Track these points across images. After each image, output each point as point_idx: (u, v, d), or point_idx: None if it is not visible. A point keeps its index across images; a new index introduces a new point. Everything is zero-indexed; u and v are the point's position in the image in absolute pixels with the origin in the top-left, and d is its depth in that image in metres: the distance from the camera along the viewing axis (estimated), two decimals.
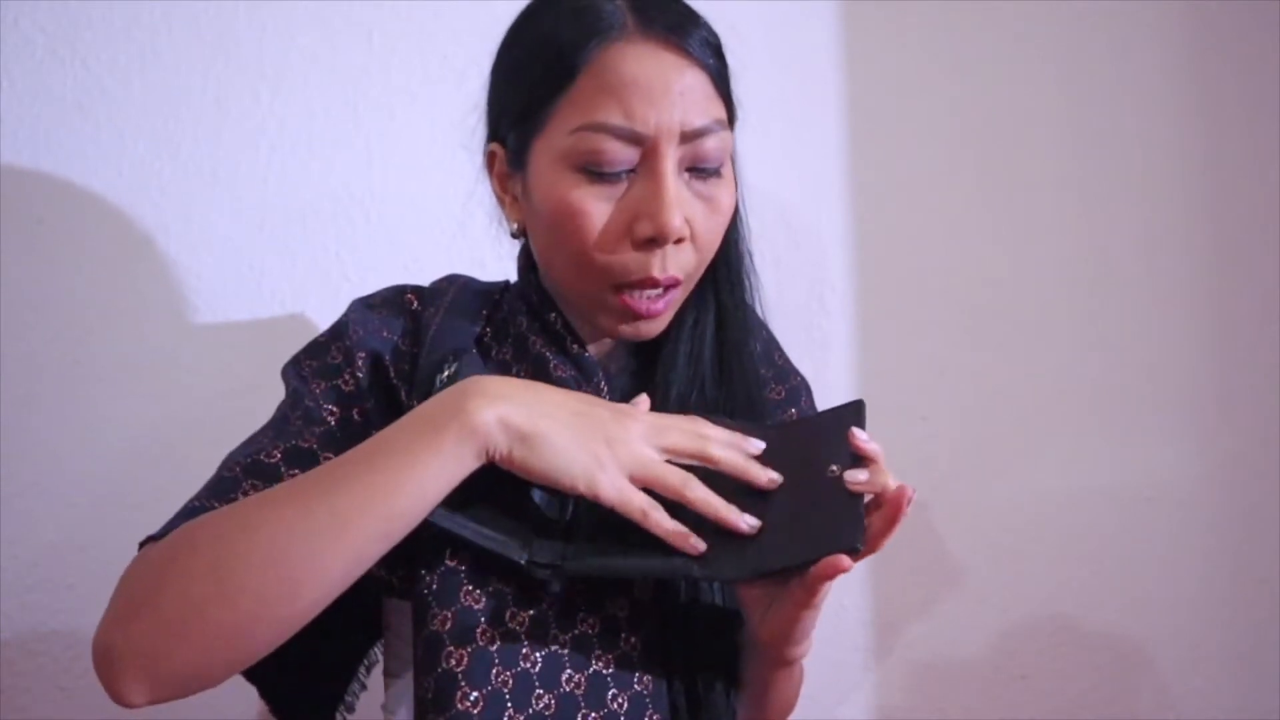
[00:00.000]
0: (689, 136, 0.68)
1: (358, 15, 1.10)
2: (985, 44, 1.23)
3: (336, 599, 0.63)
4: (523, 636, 0.66)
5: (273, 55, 1.08)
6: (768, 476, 0.66)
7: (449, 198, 1.08)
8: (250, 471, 0.68)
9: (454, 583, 0.66)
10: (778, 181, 1.16)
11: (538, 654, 0.66)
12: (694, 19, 0.71)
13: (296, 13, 1.08)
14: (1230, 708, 1.22)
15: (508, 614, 0.66)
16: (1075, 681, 1.21)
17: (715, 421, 0.70)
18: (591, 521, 0.65)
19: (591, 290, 0.71)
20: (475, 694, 0.63)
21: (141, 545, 0.66)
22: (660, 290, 0.70)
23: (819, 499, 0.64)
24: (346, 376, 0.72)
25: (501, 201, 0.77)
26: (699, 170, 0.70)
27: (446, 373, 0.70)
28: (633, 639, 0.69)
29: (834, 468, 0.64)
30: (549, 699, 0.65)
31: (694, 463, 0.66)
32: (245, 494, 0.67)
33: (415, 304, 0.76)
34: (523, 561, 0.64)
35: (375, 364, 0.73)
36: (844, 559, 0.60)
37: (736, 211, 0.76)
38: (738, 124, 0.78)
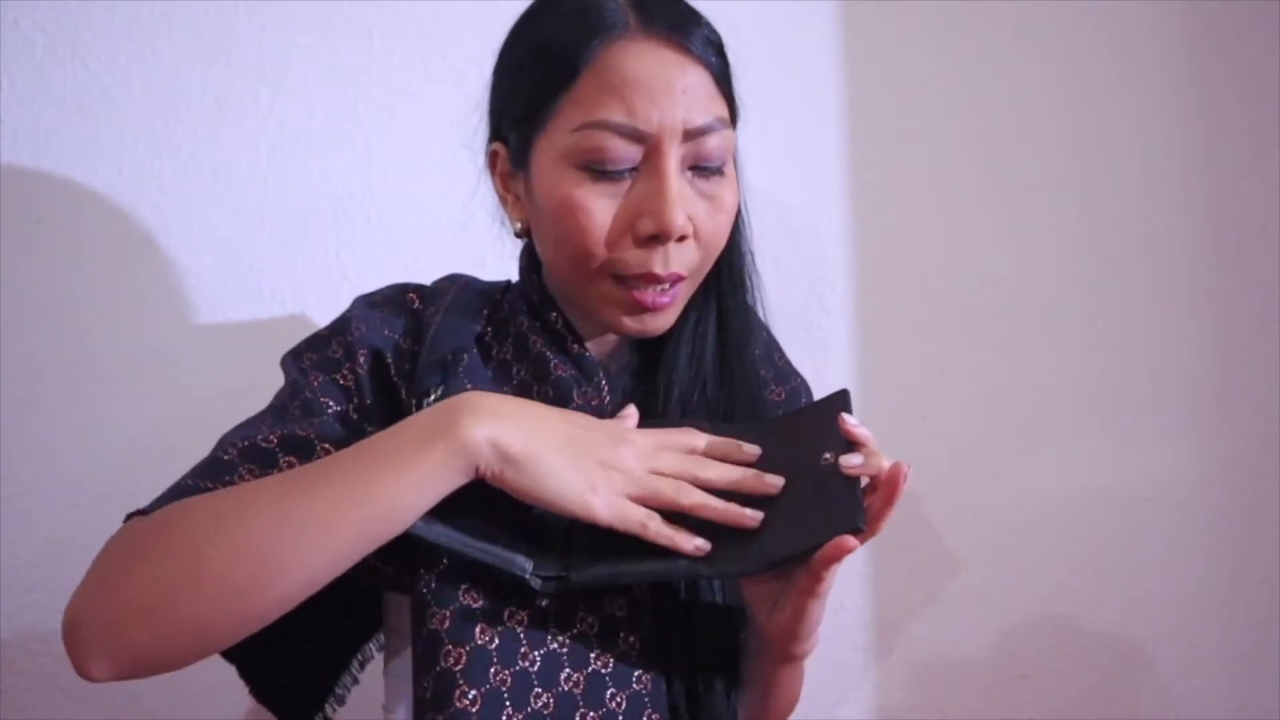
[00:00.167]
0: (691, 135, 0.68)
1: (358, 15, 1.10)
2: (985, 44, 1.23)
3: (335, 591, 0.63)
4: (521, 635, 0.66)
5: (273, 55, 1.08)
6: (767, 482, 0.66)
7: (449, 198, 1.08)
8: (246, 455, 0.68)
9: (453, 581, 0.66)
10: (778, 181, 1.16)
11: (536, 653, 0.66)
12: (696, 18, 0.71)
13: (296, 13, 1.08)
14: (1230, 708, 1.22)
15: (506, 613, 0.66)
16: (1075, 681, 1.21)
17: (706, 426, 0.70)
18: (589, 528, 0.65)
19: (595, 286, 0.71)
20: (474, 692, 0.64)
21: (128, 518, 0.66)
22: (665, 285, 0.70)
23: (817, 487, 0.65)
24: (345, 371, 0.72)
25: (504, 201, 0.77)
26: (702, 169, 0.70)
27: (433, 396, 0.70)
28: (631, 638, 0.69)
29: (827, 455, 0.65)
30: (547, 698, 0.65)
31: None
32: (240, 477, 0.67)
33: (417, 303, 0.76)
34: (528, 576, 0.64)
35: (376, 361, 0.73)
36: (849, 539, 0.60)
37: (739, 211, 0.76)
38: (739, 124, 0.78)
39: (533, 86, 0.70)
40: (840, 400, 0.69)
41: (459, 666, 0.64)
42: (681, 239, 0.69)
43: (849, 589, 1.18)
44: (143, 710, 1.02)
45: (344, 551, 0.62)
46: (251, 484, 0.65)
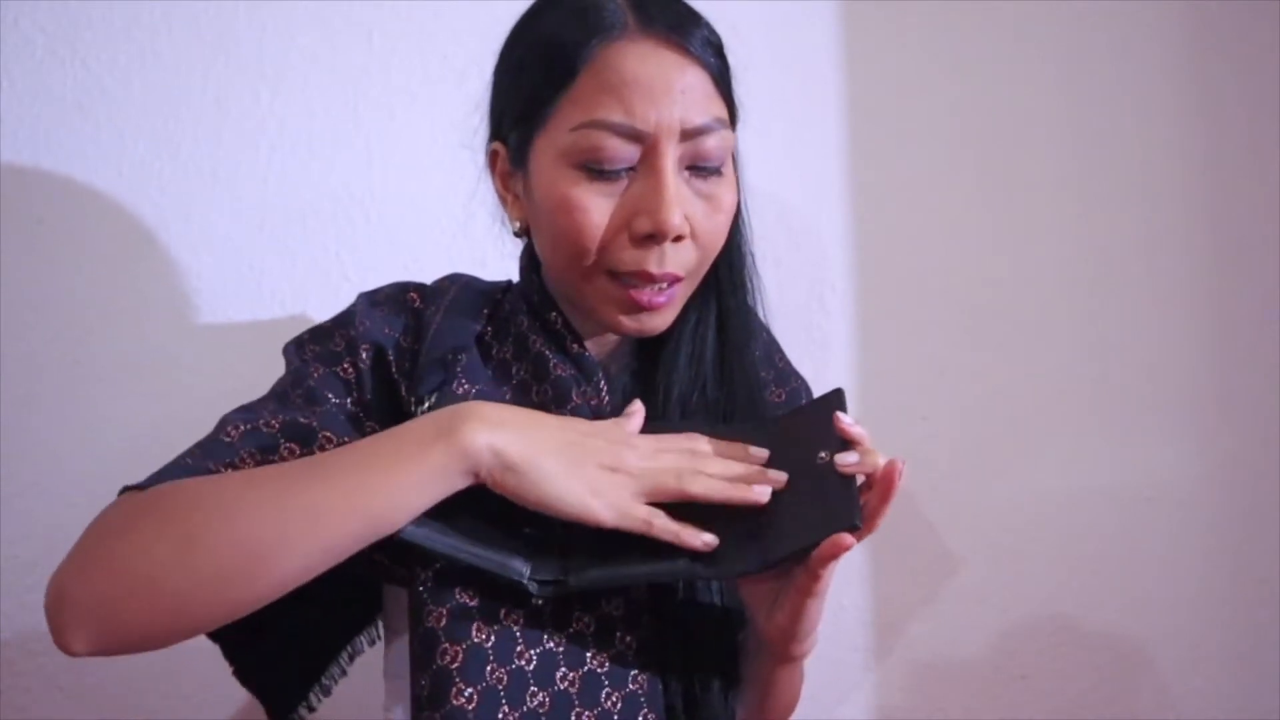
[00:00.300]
0: (689, 134, 0.68)
1: (358, 15, 1.10)
2: (985, 44, 1.23)
3: (329, 581, 0.63)
4: (517, 634, 0.66)
5: (273, 55, 1.08)
6: (770, 477, 0.66)
7: (449, 198, 1.08)
8: (247, 439, 0.68)
9: (449, 579, 0.66)
10: (778, 181, 1.16)
11: (532, 651, 0.66)
12: (695, 18, 0.71)
13: (296, 13, 1.08)
14: (1230, 708, 1.22)
15: (502, 611, 0.66)
16: (1075, 681, 1.21)
17: (703, 429, 0.70)
18: (587, 531, 0.65)
19: (592, 284, 0.71)
20: (470, 690, 0.64)
21: (122, 492, 0.66)
22: (661, 284, 0.70)
23: (813, 486, 0.65)
24: (346, 365, 0.72)
25: (504, 200, 0.77)
26: (700, 169, 0.70)
27: (427, 404, 0.71)
28: (628, 638, 0.69)
29: (823, 454, 0.65)
30: (543, 696, 0.66)
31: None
32: (241, 461, 0.67)
33: (417, 302, 0.76)
34: (525, 581, 0.64)
35: (378, 356, 0.73)
36: (845, 537, 0.61)
37: (739, 212, 0.76)
38: (739, 124, 0.78)
39: (532, 86, 0.70)
40: (835, 399, 0.69)
41: (455, 664, 0.64)
42: (678, 239, 0.69)
43: (849, 589, 1.18)
44: (143, 710, 1.02)
45: (337, 547, 0.62)
46: (250, 471, 0.65)
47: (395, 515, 0.63)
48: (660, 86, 0.67)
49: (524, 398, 0.73)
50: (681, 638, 0.71)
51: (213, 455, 0.67)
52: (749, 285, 0.79)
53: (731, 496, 0.65)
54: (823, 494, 0.64)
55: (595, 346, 0.76)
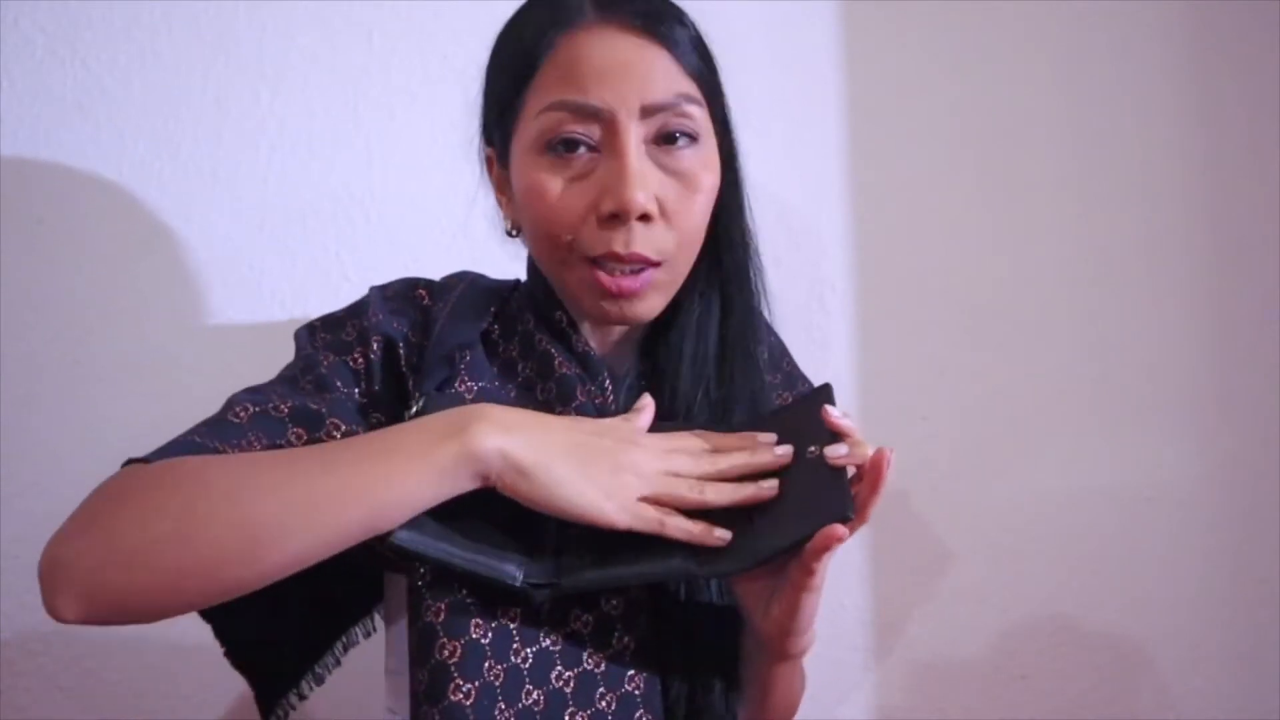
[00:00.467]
0: (650, 111, 0.69)
1: (358, 15, 1.10)
2: (985, 44, 1.23)
3: (329, 569, 0.63)
4: (514, 631, 0.66)
5: (273, 55, 1.08)
6: (778, 454, 0.66)
7: (449, 198, 1.08)
8: (256, 421, 0.68)
9: (448, 573, 0.66)
10: (778, 181, 1.16)
11: (529, 649, 0.66)
12: (657, 2, 0.72)
13: (296, 13, 1.08)
14: (1230, 708, 1.21)
15: (500, 607, 0.66)
16: (1075, 681, 1.21)
17: (684, 427, 0.71)
18: (582, 532, 0.65)
19: (571, 272, 0.72)
20: (468, 686, 0.64)
21: (126, 464, 0.66)
22: (632, 268, 0.70)
23: (804, 481, 0.65)
24: (357, 355, 0.73)
25: (500, 202, 0.78)
26: (668, 147, 0.70)
27: (415, 408, 0.71)
28: (626, 638, 0.69)
29: (812, 449, 0.65)
30: (538, 695, 0.66)
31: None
32: (248, 443, 0.67)
33: (426, 299, 0.77)
34: (518, 584, 0.64)
35: (389, 348, 0.74)
36: (838, 528, 0.61)
37: (739, 207, 0.77)
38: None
39: (505, 86, 0.73)
40: (823, 394, 0.69)
41: (454, 660, 0.64)
42: (644, 218, 0.69)
43: (849, 589, 1.18)
44: (143, 710, 1.02)
45: (336, 539, 0.62)
46: (256, 455, 0.65)
47: (397, 511, 0.63)
48: (617, 66, 0.68)
49: (528, 395, 0.73)
50: (682, 638, 0.71)
51: (220, 435, 0.67)
52: (753, 280, 0.78)
53: (746, 499, 0.65)
54: (814, 488, 0.64)
55: (600, 344, 0.76)
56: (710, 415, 0.75)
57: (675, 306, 0.76)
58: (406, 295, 0.77)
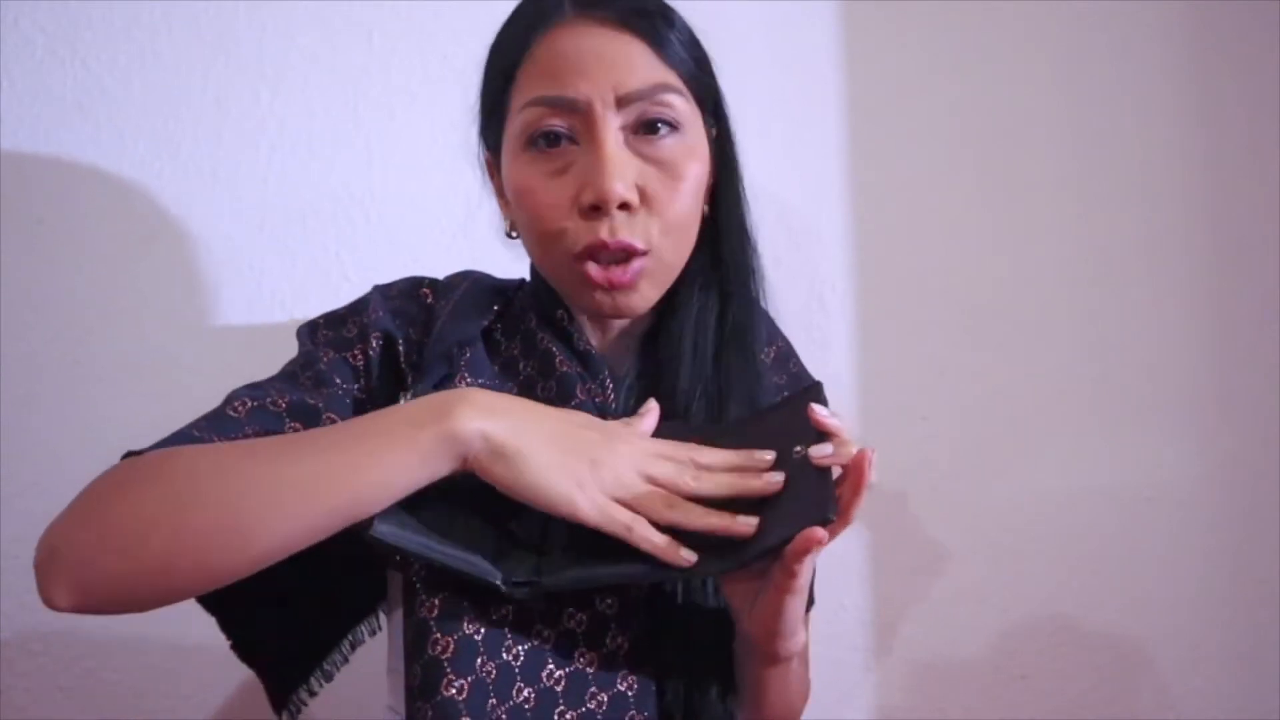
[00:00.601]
0: (627, 100, 0.69)
1: (358, 15, 1.10)
2: (985, 44, 1.23)
3: (335, 564, 0.63)
4: (507, 629, 0.66)
5: (273, 55, 1.08)
6: (765, 479, 0.65)
7: (449, 198, 1.08)
8: (253, 415, 0.69)
9: (443, 570, 0.66)
10: (778, 181, 1.16)
11: (520, 647, 0.66)
12: None
13: (296, 13, 1.08)
14: (1230, 708, 1.22)
15: (493, 604, 0.66)
16: (1075, 681, 1.21)
17: (679, 426, 0.70)
18: (564, 530, 0.65)
19: (565, 268, 0.72)
20: (460, 682, 0.64)
21: (124, 457, 0.67)
22: (619, 258, 0.70)
23: (789, 481, 0.64)
24: (356, 352, 0.73)
25: (500, 204, 0.79)
26: (649, 136, 0.70)
27: (410, 394, 0.71)
28: (620, 638, 0.68)
29: (799, 448, 0.65)
30: (529, 692, 0.66)
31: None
32: (245, 437, 0.67)
33: (429, 297, 0.78)
34: (498, 582, 0.64)
35: (388, 345, 0.74)
36: (817, 531, 0.60)
37: (736, 202, 0.77)
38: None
39: (493, 88, 0.74)
40: (813, 393, 0.69)
41: (446, 655, 0.64)
42: (625, 207, 0.69)
43: (849, 589, 1.18)
44: (143, 710, 1.02)
45: (320, 523, 0.62)
46: (245, 442, 0.65)
47: (381, 493, 0.63)
48: (590, 58, 0.69)
49: (529, 394, 0.73)
50: (678, 639, 0.71)
51: (218, 429, 0.68)
52: (752, 275, 0.78)
53: (717, 529, 0.63)
54: (798, 489, 0.63)
55: (601, 343, 0.77)
56: (707, 411, 0.74)
57: (674, 303, 0.76)
58: (411, 294, 0.78)
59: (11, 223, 1.02)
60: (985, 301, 1.21)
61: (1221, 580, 1.23)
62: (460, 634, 0.65)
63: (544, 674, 0.66)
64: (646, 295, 0.72)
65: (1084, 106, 1.24)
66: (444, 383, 0.72)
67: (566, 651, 0.67)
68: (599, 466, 0.64)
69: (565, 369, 0.73)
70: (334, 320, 0.76)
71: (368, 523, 0.62)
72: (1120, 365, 1.22)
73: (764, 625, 0.65)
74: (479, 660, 0.65)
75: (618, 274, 0.70)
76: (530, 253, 0.75)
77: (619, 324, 0.77)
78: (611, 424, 0.69)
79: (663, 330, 0.76)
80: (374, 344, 0.73)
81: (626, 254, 0.70)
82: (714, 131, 0.77)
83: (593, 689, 0.67)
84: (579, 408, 0.71)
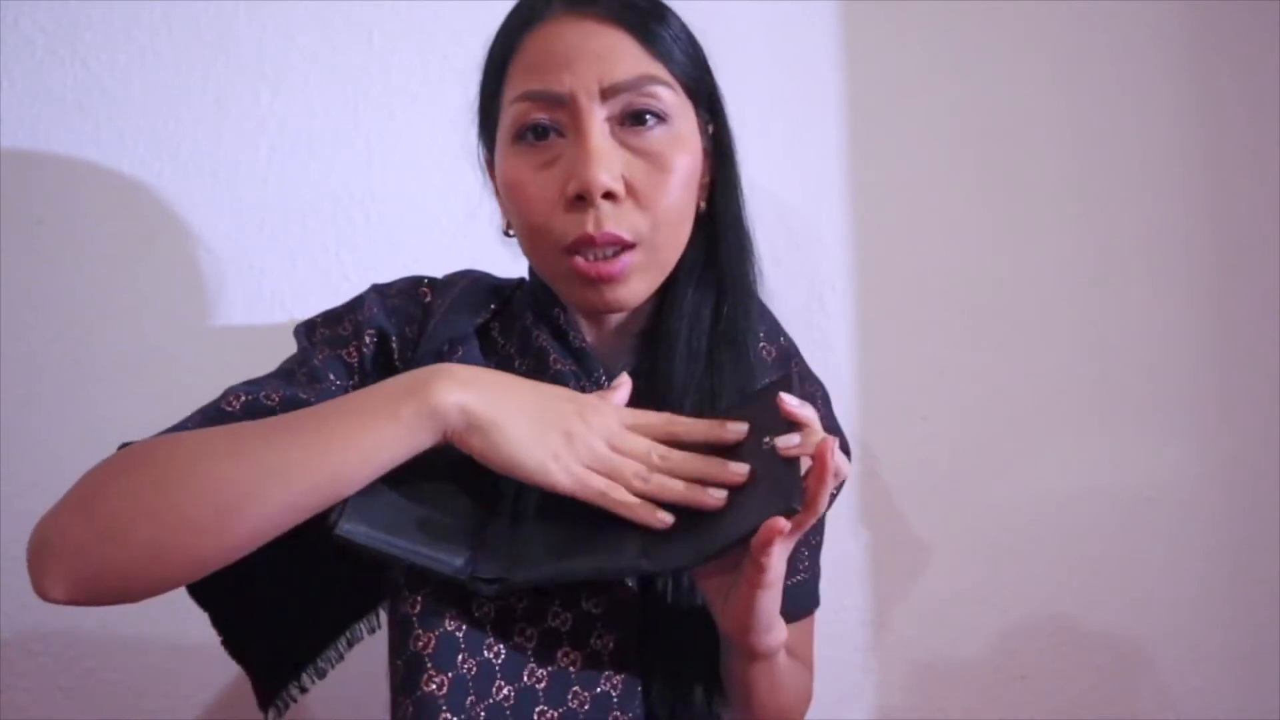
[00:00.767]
0: (613, 91, 0.69)
1: (358, 15, 1.10)
2: (985, 44, 1.23)
3: (333, 562, 0.63)
4: (489, 626, 0.66)
5: (273, 55, 1.08)
6: (732, 470, 0.65)
7: (449, 198, 1.08)
8: (247, 409, 0.69)
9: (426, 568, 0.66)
10: (778, 181, 1.16)
11: (501, 645, 0.66)
12: None
13: (296, 13, 1.08)
14: (1230, 708, 1.21)
15: (475, 602, 0.66)
16: (1075, 681, 1.21)
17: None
18: (536, 523, 0.65)
19: (556, 264, 0.72)
20: (441, 678, 0.64)
21: (120, 448, 0.67)
22: (607, 251, 0.70)
23: (758, 473, 0.64)
24: (351, 349, 0.74)
25: (499, 203, 0.78)
26: (637, 128, 0.71)
27: None
28: (605, 638, 0.68)
29: (767, 439, 0.64)
30: (509, 690, 0.66)
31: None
32: None
33: (429, 296, 0.78)
34: (466, 578, 0.64)
35: (382, 342, 0.75)
36: (779, 521, 0.59)
37: (731, 198, 0.77)
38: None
39: (487, 86, 0.75)
40: (781, 383, 0.68)
41: (428, 651, 0.64)
42: (609, 196, 0.69)
43: (849, 589, 1.18)
44: (143, 710, 1.02)
45: (302, 501, 0.62)
46: (228, 426, 0.66)
47: (361, 470, 0.63)
48: (574, 51, 0.69)
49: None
50: (664, 640, 0.70)
51: (212, 423, 0.68)
52: (748, 271, 0.78)
53: (686, 500, 0.64)
54: (766, 480, 0.63)
55: (597, 339, 0.77)
56: (699, 408, 0.74)
57: (670, 300, 0.76)
58: (409, 293, 0.78)
59: (11, 223, 1.02)
60: (985, 301, 1.21)
61: (1221, 580, 1.23)
62: (441, 630, 0.65)
63: (525, 672, 0.66)
64: (636, 290, 0.72)
65: (1084, 106, 1.24)
66: None
67: (549, 650, 0.67)
68: (573, 438, 0.65)
69: (559, 367, 0.73)
70: (330, 319, 0.76)
71: (334, 522, 0.62)
72: (1120, 365, 1.22)
73: (738, 620, 0.65)
74: (460, 657, 0.65)
75: (606, 267, 0.70)
76: (523, 249, 0.76)
77: (615, 320, 0.77)
78: (586, 396, 0.69)
79: (658, 327, 0.76)
80: (368, 341, 0.74)
81: (616, 248, 0.70)
82: (710, 128, 0.77)
83: (575, 688, 0.67)
84: None
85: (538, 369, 0.74)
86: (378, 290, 0.78)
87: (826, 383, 0.85)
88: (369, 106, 1.10)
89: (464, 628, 0.65)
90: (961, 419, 1.20)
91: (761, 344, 0.79)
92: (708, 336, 0.76)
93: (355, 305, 0.77)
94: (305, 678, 0.79)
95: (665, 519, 0.64)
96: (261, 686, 0.78)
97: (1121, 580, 1.21)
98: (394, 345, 0.74)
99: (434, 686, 0.64)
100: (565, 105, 0.69)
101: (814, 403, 0.81)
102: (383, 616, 0.84)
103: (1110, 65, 1.24)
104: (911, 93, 1.21)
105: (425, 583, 0.66)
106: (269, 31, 1.08)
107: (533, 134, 0.71)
